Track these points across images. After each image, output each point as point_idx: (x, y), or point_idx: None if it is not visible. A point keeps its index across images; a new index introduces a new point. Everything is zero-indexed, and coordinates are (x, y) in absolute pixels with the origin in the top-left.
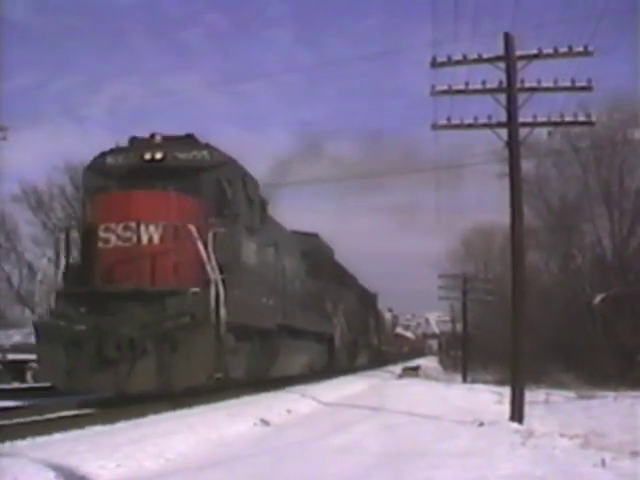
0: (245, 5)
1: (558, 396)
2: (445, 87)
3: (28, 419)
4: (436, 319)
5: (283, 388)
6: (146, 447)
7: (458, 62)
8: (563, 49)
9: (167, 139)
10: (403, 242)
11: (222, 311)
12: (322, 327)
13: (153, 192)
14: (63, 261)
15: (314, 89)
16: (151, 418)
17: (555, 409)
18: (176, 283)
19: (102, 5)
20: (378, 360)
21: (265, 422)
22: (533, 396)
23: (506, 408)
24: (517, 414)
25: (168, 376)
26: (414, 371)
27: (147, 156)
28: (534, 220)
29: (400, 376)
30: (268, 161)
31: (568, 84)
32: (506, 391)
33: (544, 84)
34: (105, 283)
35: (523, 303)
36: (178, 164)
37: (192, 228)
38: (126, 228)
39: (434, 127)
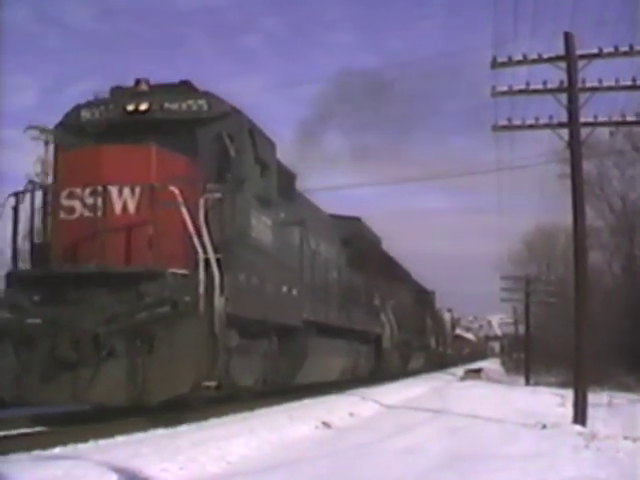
0: (304, 9)
1: (621, 398)
2: (505, 88)
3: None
4: (498, 321)
5: (343, 392)
6: (208, 450)
7: (519, 62)
8: (624, 48)
9: (156, 87)
10: (466, 244)
11: (217, 299)
12: (367, 325)
13: (127, 147)
14: (10, 234)
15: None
16: (213, 421)
17: (618, 411)
18: (154, 262)
19: (164, 11)
20: (436, 363)
21: (327, 425)
22: (596, 398)
23: (569, 411)
24: (580, 417)
25: (142, 384)
26: (476, 373)
27: (130, 107)
28: (596, 221)
29: (462, 378)
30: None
31: (629, 83)
32: (569, 393)
33: (605, 83)
34: (66, 263)
35: (586, 305)
36: (168, 116)
37: (175, 191)
38: (93, 193)
39: (495, 128)
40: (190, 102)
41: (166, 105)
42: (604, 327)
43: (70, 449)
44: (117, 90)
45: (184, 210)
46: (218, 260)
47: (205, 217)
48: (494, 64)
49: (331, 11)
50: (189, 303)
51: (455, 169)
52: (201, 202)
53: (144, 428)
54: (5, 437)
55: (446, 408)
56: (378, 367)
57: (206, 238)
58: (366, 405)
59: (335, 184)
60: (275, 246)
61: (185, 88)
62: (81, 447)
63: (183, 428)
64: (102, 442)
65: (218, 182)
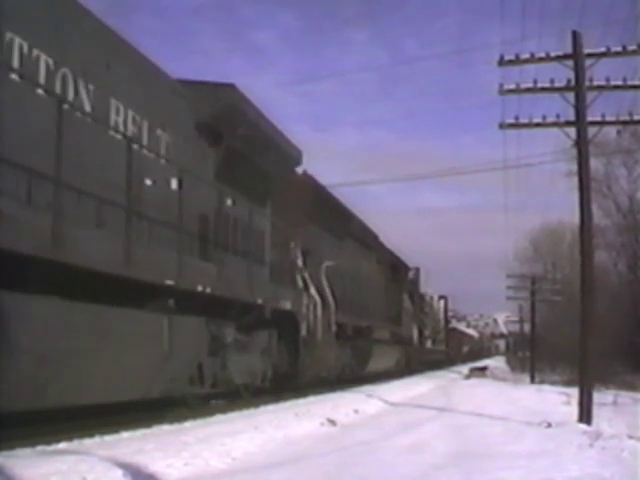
0: (319, 6)
1: (627, 397)
2: (513, 86)
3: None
4: (504, 319)
5: (349, 389)
6: (213, 446)
7: (526, 60)
8: (632, 47)
9: None
10: (473, 242)
11: None
12: (259, 292)
13: None
14: None
15: (387, 88)
16: (218, 417)
17: (623, 410)
18: None
19: (177, 6)
20: (421, 363)
21: (332, 422)
22: (601, 397)
23: (574, 409)
24: (585, 415)
25: None
26: (481, 372)
27: None
28: (603, 219)
29: (467, 377)
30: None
31: (637, 82)
32: (574, 392)
33: (613, 82)
34: None
35: (592, 303)
36: None
37: None
38: None
39: (502, 126)
40: None
41: None
42: (609, 326)
43: (75, 444)
44: None
45: None
46: None
47: None
48: (501, 62)
49: (347, 8)
50: None
51: (462, 167)
52: None
53: (149, 424)
54: (10, 432)
55: (451, 406)
56: (294, 370)
57: None
58: (371, 402)
59: (342, 182)
60: None
61: None
62: (86, 442)
63: (188, 424)
64: (107, 437)
65: None
